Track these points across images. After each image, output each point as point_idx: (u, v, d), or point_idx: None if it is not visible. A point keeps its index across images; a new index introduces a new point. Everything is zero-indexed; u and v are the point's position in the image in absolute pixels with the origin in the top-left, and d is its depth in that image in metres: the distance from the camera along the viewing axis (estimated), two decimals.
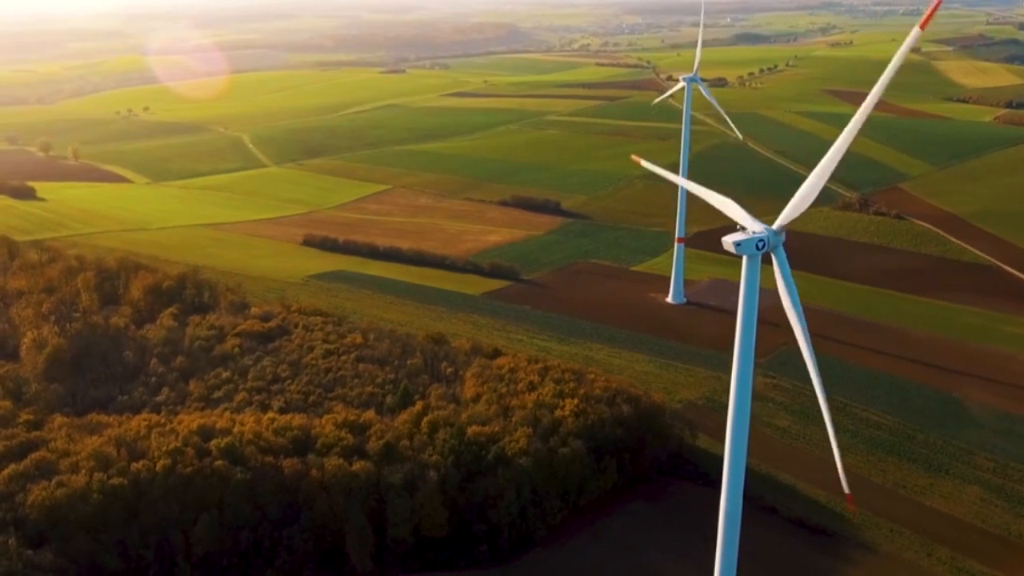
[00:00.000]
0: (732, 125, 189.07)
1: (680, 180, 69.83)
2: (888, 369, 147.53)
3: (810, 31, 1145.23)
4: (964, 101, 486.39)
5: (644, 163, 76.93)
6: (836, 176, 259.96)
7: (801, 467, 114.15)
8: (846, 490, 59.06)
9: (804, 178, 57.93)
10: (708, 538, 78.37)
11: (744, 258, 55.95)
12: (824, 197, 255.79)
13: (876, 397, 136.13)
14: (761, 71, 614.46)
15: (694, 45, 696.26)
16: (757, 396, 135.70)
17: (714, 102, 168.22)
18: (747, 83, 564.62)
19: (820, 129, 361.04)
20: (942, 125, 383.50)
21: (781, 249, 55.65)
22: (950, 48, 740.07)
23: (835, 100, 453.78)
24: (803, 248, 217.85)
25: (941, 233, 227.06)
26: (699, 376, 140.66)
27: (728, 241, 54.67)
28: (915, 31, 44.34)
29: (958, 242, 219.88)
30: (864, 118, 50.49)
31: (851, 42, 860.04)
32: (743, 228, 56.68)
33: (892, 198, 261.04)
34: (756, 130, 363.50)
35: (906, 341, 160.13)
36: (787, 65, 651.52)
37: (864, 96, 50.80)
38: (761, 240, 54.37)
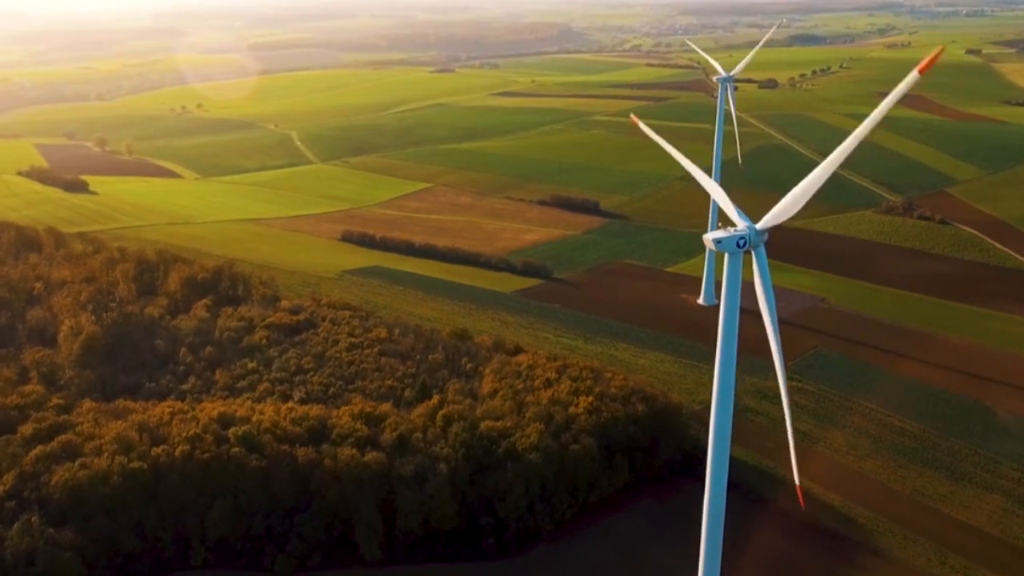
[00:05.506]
0: (738, 140, 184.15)
1: (675, 152, 68.59)
2: (919, 375, 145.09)
3: (868, 32, 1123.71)
4: (1023, 104, 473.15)
5: (641, 125, 76.89)
6: (881, 180, 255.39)
7: (818, 471, 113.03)
8: (796, 481, 59.14)
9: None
10: None
11: (726, 255, 56.02)
12: (867, 200, 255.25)
13: (904, 403, 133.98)
14: (814, 72, 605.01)
15: (748, 46, 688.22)
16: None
17: (732, 108, 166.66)
18: (798, 84, 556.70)
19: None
20: (996, 129, 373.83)
21: (762, 249, 55.60)
22: (1012, 50, 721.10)
23: None
24: (841, 252, 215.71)
25: (986, 239, 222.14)
26: None
27: (709, 238, 54.88)
28: (913, 74, 44.14)
29: (1003, 248, 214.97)
30: (860, 139, 50.13)
31: (909, 43, 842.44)
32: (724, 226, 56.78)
33: (938, 203, 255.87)
34: (802, 132, 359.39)
35: (940, 348, 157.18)
36: (841, 66, 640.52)
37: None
38: (742, 238, 54.40)
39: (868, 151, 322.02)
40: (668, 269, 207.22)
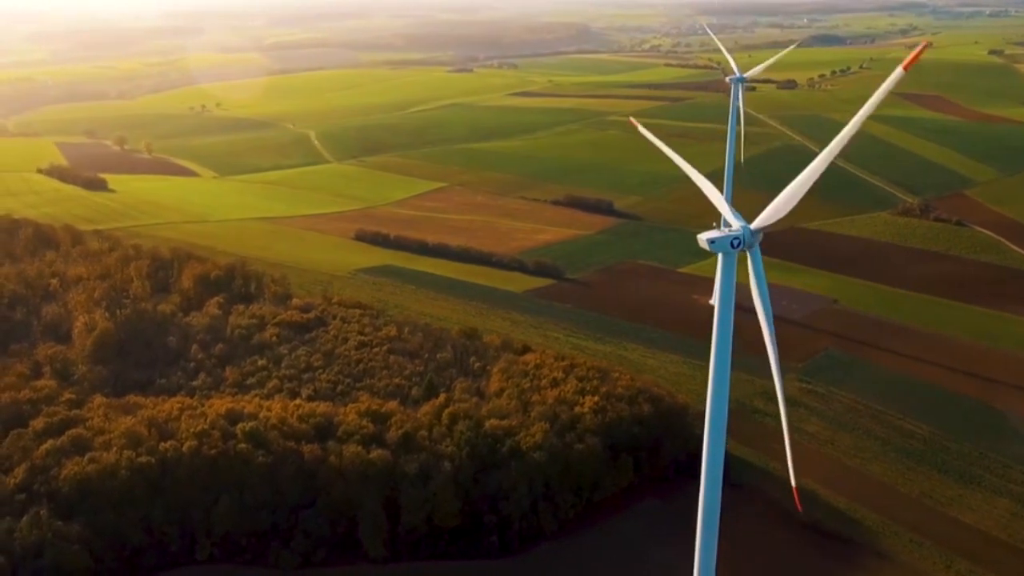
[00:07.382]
0: (742, 139, 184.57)
1: (669, 151, 69.12)
2: (930, 378, 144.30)
3: (889, 32, 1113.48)
4: None
5: (640, 128, 77.62)
6: (897, 181, 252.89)
7: (825, 473, 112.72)
8: (793, 483, 58.90)
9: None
10: (721, 537, 78.08)
11: (720, 256, 56.07)
12: (883, 202, 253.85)
13: (914, 406, 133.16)
14: (833, 73, 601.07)
15: (769, 46, 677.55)
16: (790, 400, 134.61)
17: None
18: (816, 85, 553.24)
19: (886, 133, 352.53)
20: (1016, 130, 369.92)
21: (757, 249, 55.58)
22: None
23: (906, 103, 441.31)
24: (855, 253, 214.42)
25: (1003, 241, 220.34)
26: (732, 380, 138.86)
27: (703, 239, 54.96)
28: (898, 71, 44.02)
29: (1020, 251, 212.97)
30: (850, 136, 50.24)
31: (931, 44, 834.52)
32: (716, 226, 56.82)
33: (955, 204, 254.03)
34: (819, 133, 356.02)
35: (953, 350, 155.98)
36: (861, 67, 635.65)
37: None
38: (736, 238, 54.43)
39: (888, 152, 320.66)
40: (680, 270, 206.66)
